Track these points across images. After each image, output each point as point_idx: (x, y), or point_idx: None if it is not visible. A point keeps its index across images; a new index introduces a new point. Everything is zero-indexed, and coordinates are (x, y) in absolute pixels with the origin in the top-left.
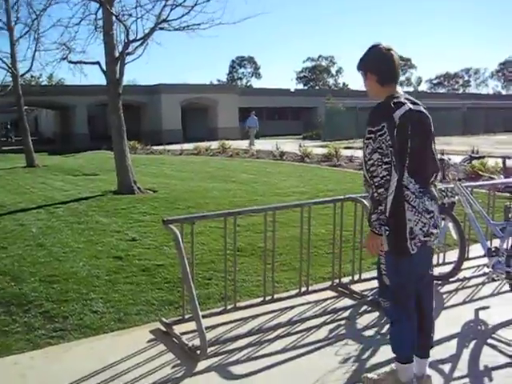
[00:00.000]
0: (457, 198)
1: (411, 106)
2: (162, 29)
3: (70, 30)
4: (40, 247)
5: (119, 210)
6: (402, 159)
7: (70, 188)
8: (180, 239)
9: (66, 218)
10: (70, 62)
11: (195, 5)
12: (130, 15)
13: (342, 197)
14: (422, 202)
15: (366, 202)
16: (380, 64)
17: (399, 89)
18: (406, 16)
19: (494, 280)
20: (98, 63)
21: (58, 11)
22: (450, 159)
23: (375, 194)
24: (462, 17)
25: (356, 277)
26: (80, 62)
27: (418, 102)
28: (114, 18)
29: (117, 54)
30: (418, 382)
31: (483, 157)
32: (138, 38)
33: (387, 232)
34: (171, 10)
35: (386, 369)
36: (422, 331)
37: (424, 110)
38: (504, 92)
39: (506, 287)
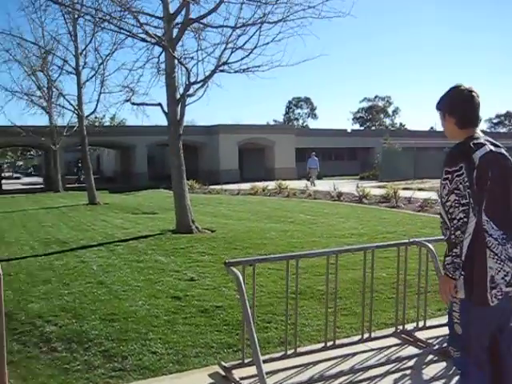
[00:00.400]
0: None
1: (492, 147)
2: (222, 71)
3: (133, 73)
4: (100, 285)
5: (178, 249)
6: (480, 202)
7: (130, 226)
8: (242, 282)
9: (126, 256)
10: (133, 103)
11: (255, 47)
12: (192, 58)
13: (406, 241)
14: (505, 249)
15: (430, 246)
16: (460, 107)
17: (479, 131)
18: (463, 53)
19: None
20: (159, 105)
21: (122, 55)
22: None
23: (452, 237)
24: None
25: (420, 323)
26: (142, 104)
27: (499, 144)
28: (176, 61)
29: (178, 96)
30: None
31: None
32: (198, 80)
33: (462, 277)
34: (231, 52)
35: None
36: None
37: (505, 152)
38: None
39: None
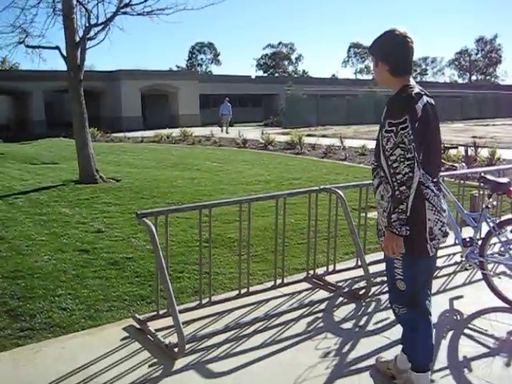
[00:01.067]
0: None
1: (426, 97)
2: (124, 13)
3: (26, 13)
4: (1, 240)
5: (82, 200)
6: (419, 154)
7: (29, 177)
8: (155, 233)
9: (27, 209)
10: (28, 46)
11: None
12: None
13: (317, 188)
14: (439, 199)
15: (340, 193)
16: (394, 53)
17: (412, 79)
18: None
19: (466, 269)
20: (57, 48)
21: None
22: None
23: (397, 193)
24: (419, 4)
25: (330, 268)
26: (38, 47)
27: (428, 92)
28: (74, 0)
29: (77, 39)
30: None
31: (456, 147)
32: (99, 22)
33: (408, 232)
34: None
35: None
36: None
37: (433, 102)
38: (460, 81)
39: (478, 276)
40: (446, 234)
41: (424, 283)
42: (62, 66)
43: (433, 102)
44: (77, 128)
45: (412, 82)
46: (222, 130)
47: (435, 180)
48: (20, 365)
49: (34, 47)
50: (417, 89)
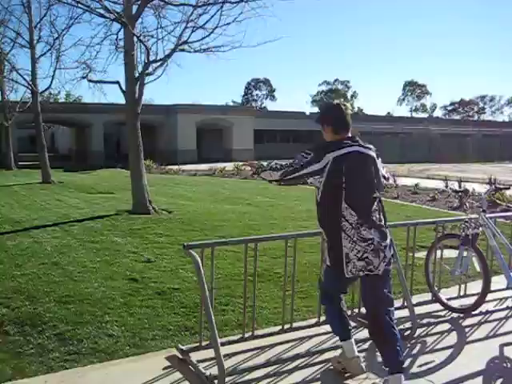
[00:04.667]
0: (480, 229)
1: (356, 148)
2: (182, 50)
3: (91, 50)
4: (55, 266)
5: (134, 230)
6: (338, 195)
7: (85, 206)
8: (200, 265)
9: (81, 236)
10: (90, 81)
11: (216, 27)
12: (152, 36)
13: None
14: (358, 232)
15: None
16: (333, 119)
17: (349, 135)
18: (421, 40)
19: None
20: (117, 83)
21: (80, 30)
22: (474, 189)
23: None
24: (478, 44)
25: None
26: (100, 82)
27: (369, 145)
28: (135, 38)
29: (137, 75)
30: None
31: (508, 187)
32: (158, 58)
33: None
34: (192, 31)
35: None
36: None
37: (370, 152)
38: None
39: None
40: (362, 258)
41: (335, 288)
42: (121, 99)
43: (366, 152)
44: (132, 160)
45: (348, 137)
46: None
47: (360, 220)
48: None
49: (96, 82)
50: (348, 141)
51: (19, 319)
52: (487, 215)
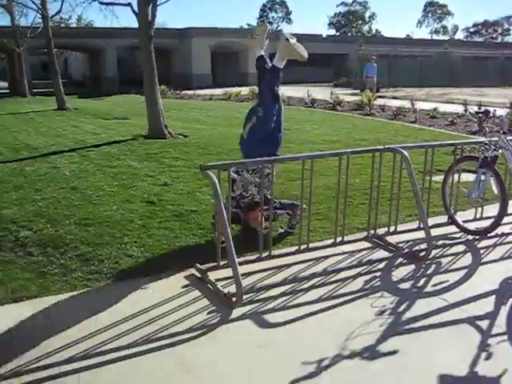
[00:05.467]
0: (500, 151)
1: None
2: None
3: None
4: (74, 190)
5: (151, 154)
6: None
7: (101, 131)
8: (217, 185)
9: (99, 161)
10: (101, 3)
11: None
12: None
13: (381, 147)
14: None
15: (405, 153)
16: None
17: None
18: None
19: None
20: (129, 5)
21: None
22: (495, 111)
23: None
24: None
25: (392, 228)
26: (111, 4)
27: None
28: None
29: None
30: None
31: None
32: None
33: None
34: None
35: None
36: None
37: None
38: None
39: None
40: None
41: None
42: (134, 22)
43: None
44: (147, 85)
45: None
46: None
47: None
48: (90, 301)
49: (107, 4)
50: None
51: (41, 241)
52: (508, 137)
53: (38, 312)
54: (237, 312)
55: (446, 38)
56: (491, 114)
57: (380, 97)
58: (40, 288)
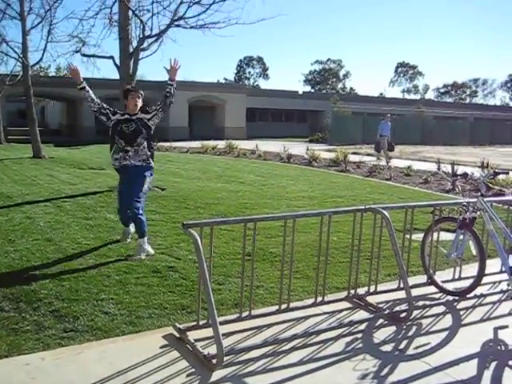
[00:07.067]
0: (478, 213)
1: None
2: (178, 26)
3: (84, 23)
4: (48, 242)
5: None
6: None
7: (77, 182)
8: (200, 244)
9: (74, 212)
10: (84, 55)
11: (213, 3)
12: (148, 11)
13: (362, 207)
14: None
15: (386, 213)
16: None
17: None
18: (414, 22)
19: None
20: (111, 58)
21: (72, 3)
22: (473, 174)
23: None
24: (471, 26)
25: (372, 288)
26: (93, 56)
27: None
28: (130, 12)
29: (131, 50)
30: None
31: (507, 172)
32: (153, 34)
33: None
34: (188, 7)
35: None
36: None
37: None
38: None
39: None
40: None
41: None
42: (114, 75)
43: None
44: None
45: None
46: (378, 157)
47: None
48: (62, 364)
49: (89, 56)
50: None
51: (14, 295)
52: (485, 199)
53: (7, 373)
54: (217, 374)
55: (418, 97)
56: (469, 177)
57: (355, 153)
58: (11, 347)
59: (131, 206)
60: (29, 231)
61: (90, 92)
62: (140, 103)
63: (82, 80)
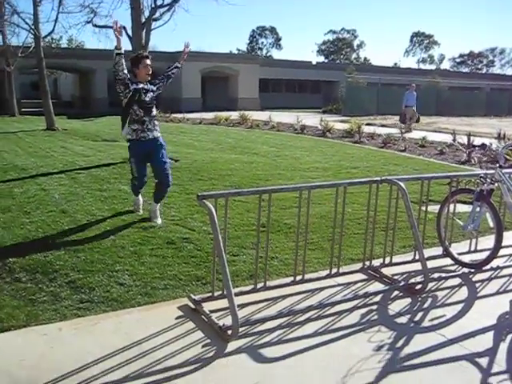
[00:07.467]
0: (496, 184)
1: None
2: None
3: None
4: (63, 214)
5: None
6: None
7: (91, 153)
8: (215, 215)
9: (88, 184)
10: (95, 25)
11: None
12: None
13: (378, 178)
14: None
15: (402, 185)
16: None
17: None
18: None
19: None
20: (124, 28)
21: None
22: (491, 144)
23: None
24: None
25: (387, 260)
26: (105, 27)
27: None
28: None
29: (143, 20)
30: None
31: None
32: (165, 3)
33: None
34: None
35: None
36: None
37: None
38: None
39: None
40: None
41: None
42: (126, 46)
43: None
44: None
45: None
46: (402, 130)
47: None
48: (79, 335)
49: (101, 27)
50: None
51: (30, 266)
52: (504, 171)
53: (26, 343)
54: (232, 345)
55: (433, 67)
56: (487, 148)
57: (369, 124)
58: (29, 317)
59: (166, 176)
60: (44, 203)
61: (123, 60)
62: (150, 72)
63: (121, 45)
